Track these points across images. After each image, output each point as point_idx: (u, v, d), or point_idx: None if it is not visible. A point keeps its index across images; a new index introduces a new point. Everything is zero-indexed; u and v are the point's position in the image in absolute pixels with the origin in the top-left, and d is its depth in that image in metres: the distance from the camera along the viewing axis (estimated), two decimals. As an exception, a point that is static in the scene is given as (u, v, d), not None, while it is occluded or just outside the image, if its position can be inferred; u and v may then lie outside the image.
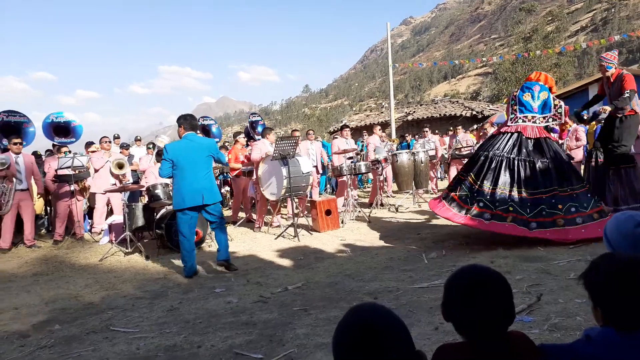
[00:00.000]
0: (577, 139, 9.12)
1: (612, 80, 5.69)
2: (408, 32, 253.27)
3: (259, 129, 10.03)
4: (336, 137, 10.08)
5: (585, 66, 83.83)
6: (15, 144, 7.25)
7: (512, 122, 5.59)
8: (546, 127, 5.56)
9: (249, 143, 9.37)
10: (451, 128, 12.52)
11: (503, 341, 1.26)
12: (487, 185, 5.27)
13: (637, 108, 5.56)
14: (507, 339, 1.28)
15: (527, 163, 5.24)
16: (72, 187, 7.62)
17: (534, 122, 5.49)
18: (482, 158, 5.47)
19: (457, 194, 5.50)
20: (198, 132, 5.38)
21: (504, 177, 5.23)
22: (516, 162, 5.26)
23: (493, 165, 5.32)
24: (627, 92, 5.44)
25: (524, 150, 5.32)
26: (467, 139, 11.33)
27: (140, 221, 6.85)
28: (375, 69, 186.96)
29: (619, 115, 5.56)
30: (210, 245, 6.78)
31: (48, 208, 9.27)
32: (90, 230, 8.28)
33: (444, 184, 12.37)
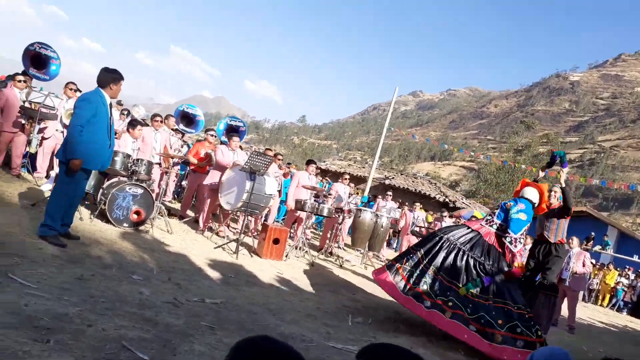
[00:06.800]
0: (584, 264, 8.69)
1: (552, 208, 5.91)
2: (414, 103, 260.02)
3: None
4: (300, 171, 10.03)
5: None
6: None
7: (484, 223, 5.58)
8: (507, 240, 5.49)
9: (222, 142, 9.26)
10: (415, 204, 12.68)
11: None
12: (432, 269, 5.17)
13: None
14: None
15: (476, 263, 5.16)
16: (25, 122, 7.23)
17: (500, 231, 5.47)
18: (437, 239, 5.41)
19: (402, 266, 5.42)
20: (109, 89, 4.92)
21: (450, 268, 5.14)
22: (465, 257, 5.18)
23: (444, 250, 5.24)
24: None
25: (477, 251, 5.26)
26: (423, 218, 11.54)
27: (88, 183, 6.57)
28: (372, 126, 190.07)
29: (552, 241, 5.75)
30: (149, 230, 6.53)
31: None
32: (30, 171, 7.87)
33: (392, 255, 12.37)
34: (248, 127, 12.13)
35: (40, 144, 7.83)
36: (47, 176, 7.71)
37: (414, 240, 11.33)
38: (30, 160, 7.88)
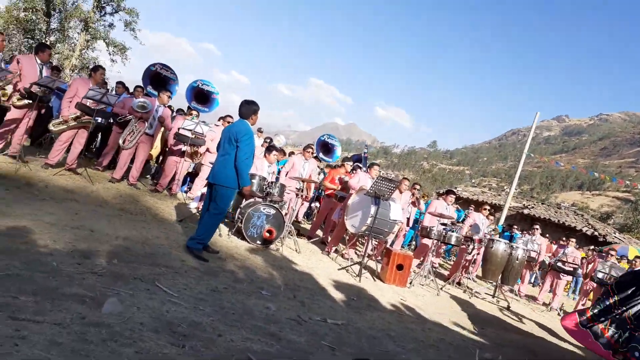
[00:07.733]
0: None
1: None
2: (558, 129, 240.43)
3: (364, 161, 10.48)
4: (438, 199, 9.77)
5: None
6: (168, 96, 7.99)
7: None
8: None
9: (354, 170, 9.46)
10: (564, 238, 11.52)
11: None
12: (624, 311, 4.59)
13: None
14: None
15: None
16: (185, 148, 8.20)
17: None
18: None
19: (592, 312, 4.87)
20: (251, 120, 5.46)
21: None
22: None
23: None
24: None
25: None
26: (575, 256, 10.36)
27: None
28: (510, 152, 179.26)
29: None
30: (279, 248, 6.86)
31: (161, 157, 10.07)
32: (186, 192, 8.82)
33: (534, 291, 11.42)
34: (377, 152, 12.29)
35: (197, 168, 8.83)
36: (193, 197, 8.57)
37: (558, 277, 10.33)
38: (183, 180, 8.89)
